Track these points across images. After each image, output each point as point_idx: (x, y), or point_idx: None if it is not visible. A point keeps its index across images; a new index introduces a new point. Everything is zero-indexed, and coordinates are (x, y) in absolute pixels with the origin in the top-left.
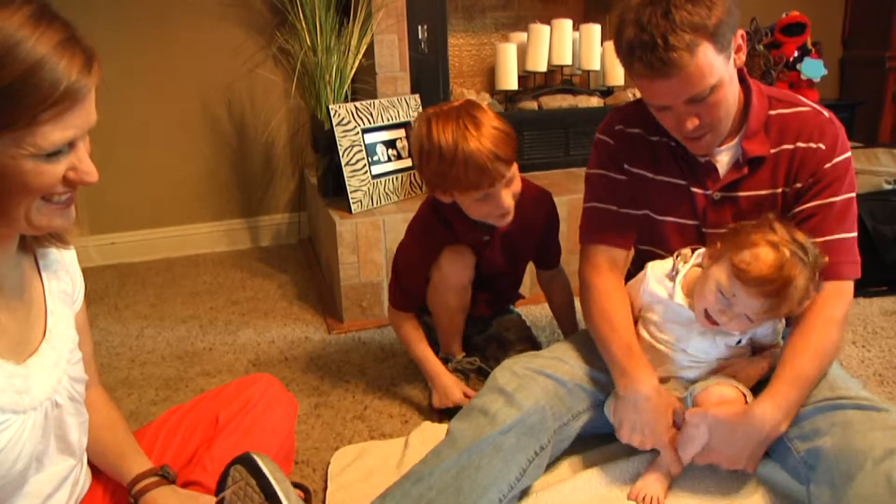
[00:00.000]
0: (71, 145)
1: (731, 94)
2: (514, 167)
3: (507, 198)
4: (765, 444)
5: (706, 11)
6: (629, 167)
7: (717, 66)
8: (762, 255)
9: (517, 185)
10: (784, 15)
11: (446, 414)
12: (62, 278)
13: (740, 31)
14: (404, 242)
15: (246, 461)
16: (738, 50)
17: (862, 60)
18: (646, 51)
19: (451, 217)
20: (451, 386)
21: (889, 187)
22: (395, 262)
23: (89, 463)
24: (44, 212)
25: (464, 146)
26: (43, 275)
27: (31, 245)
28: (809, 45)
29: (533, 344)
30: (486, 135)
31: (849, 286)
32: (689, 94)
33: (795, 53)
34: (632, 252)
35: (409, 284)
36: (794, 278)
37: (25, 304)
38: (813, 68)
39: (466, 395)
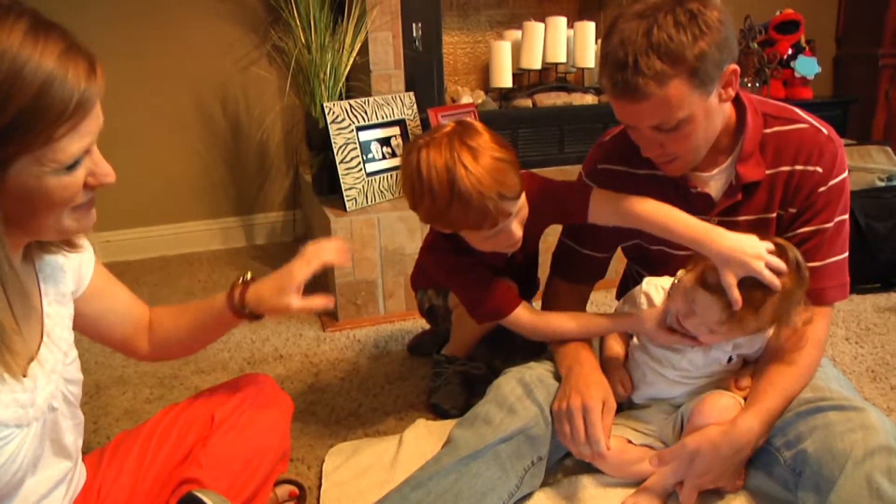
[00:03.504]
0: (86, 151)
1: (707, 129)
2: (522, 197)
3: (518, 230)
4: (746, 459)
5: (690, 39)
6: None
7: (690, 101)
8: None
9: (525, 213)
10: (778, 12)
11: (439, 413)
12: (59, 278)
13: (732, 67)
14: (456, 286)
15: (189, 501)
16: (728, 85)
17: (855, 58)
18: (615, 68)
19: (467, 248)
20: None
21: (881, 184)
22: (462, 302)
23: (85, 459)
24: (72, 218)
25: (460, 186)
26: (39, 276)
27: (32, 249)
28: (803, 43)
29: (541, 352)
30: (487, 168)
31: (832, 308)
32: (652, 122)
33: (789, 51)
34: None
35: (490, 293)
36: (761, 294)
37: (28, 309)
38: (807, 66)
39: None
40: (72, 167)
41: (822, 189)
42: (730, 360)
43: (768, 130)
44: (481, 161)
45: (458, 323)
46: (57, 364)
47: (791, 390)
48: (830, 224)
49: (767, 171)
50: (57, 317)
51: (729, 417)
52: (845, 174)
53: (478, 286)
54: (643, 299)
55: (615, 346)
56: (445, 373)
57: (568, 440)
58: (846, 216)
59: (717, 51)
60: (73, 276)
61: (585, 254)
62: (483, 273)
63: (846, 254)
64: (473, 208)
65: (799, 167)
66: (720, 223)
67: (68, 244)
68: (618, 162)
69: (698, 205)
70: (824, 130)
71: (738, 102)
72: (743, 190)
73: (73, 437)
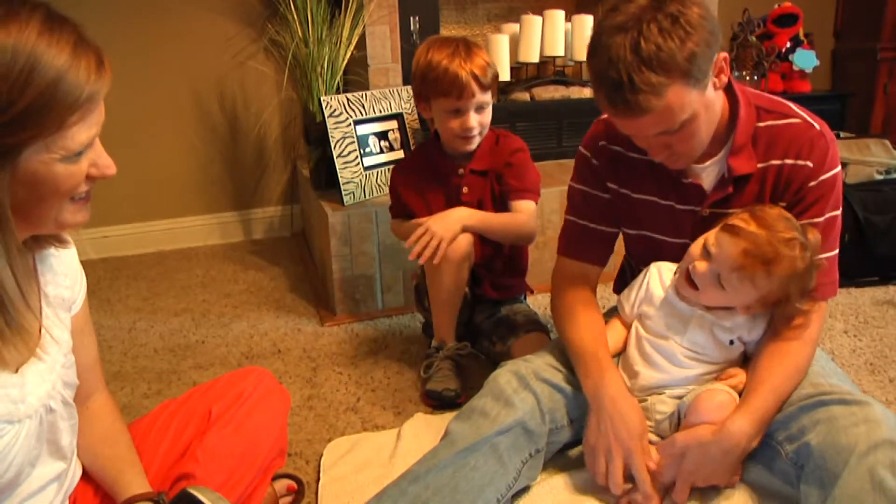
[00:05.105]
0: (91, 142)
1: (708, 120)
2: (489, 101)
3: (473, 120)
4: (740, 459)
5: (678, 44)
6: (612, 185)
7: (690, 101)
8: (760, 216)
9: (486, 118)
10: (777, 6)
11: (437, 403)
12: (60, 282)
13: (722, 55)
14: (397, 173)
15: (184, 499)
16: (720, 72)
17: (853, 52)
18: (610, 88)
19: (431, 152)
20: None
21: (880, 177)
22: (393, 193)
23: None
24: (70, 210)
25: (448, 63)
26: (40, 278)
27: (31, 246)
28: (802, 36)
29: (541, 329)
30: (473, 60)
31: (825, 305)
32: (657, 130)
33: (788, 44)
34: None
35: (405, 195)
36: (782, 253)
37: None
38: (805, 59)
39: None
40: (77, 156)
41: (812, 183)
42: (731, 342)
43: (761, 124)
44: (472, 57)
45: (432, 304)
46: (55, 364)
47: (783, 389)
48: (821, 219)
49: (759, 165)
50: (56, 318)
51: (724, 415)
52: (837, 170)
53: (408, 186)
54: (655, 277)
55: (613, 334)
56: (435, 361)
57: (602, 479)
58: (838, 212)
59: (705, 47)
60: (73, 286)
61: (591, 227)
62: (421, 182)
63: (837, 251)
64: (450, 74)
65: (789, 161)
66: (711, 215)
67: (58, 240)
68: (615, 141)
69: (690, 196)
70: (816, 126)
71: (731, 94)
72: (734, 183)
73: (69, 439)
